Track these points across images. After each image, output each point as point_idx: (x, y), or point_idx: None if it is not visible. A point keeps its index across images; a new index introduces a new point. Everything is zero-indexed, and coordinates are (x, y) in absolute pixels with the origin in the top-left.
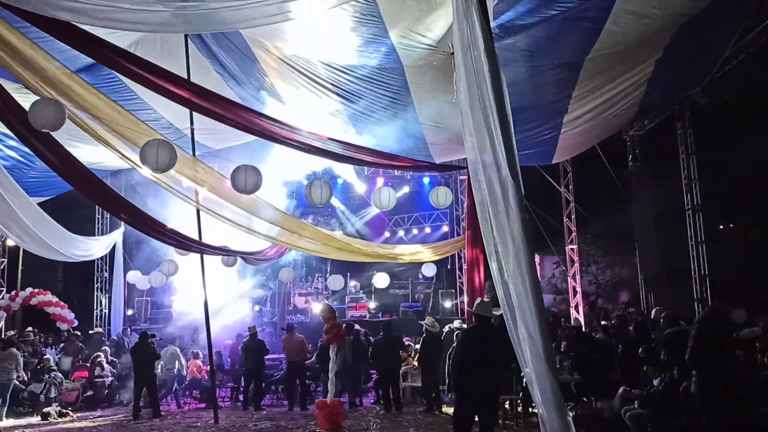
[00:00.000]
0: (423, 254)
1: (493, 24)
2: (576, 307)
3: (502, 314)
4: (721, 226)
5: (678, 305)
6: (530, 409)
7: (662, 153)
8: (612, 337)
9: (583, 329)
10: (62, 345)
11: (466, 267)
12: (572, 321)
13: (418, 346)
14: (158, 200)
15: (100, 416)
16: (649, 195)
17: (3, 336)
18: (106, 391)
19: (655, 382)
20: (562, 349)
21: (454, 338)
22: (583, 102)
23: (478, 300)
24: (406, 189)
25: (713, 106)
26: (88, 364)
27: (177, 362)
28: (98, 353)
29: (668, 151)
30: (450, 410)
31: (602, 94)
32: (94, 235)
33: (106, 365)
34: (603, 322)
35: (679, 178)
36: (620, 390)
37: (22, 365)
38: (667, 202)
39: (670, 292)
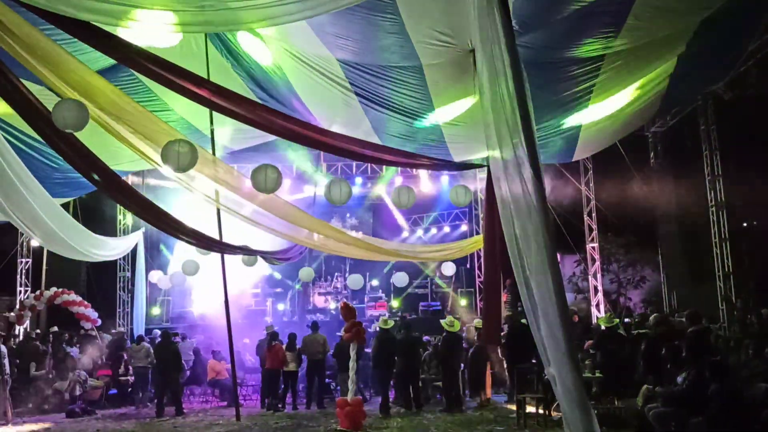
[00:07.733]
0: (442, 253)
1: (513, 20)
2: (597, 305)
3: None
4: (745, 224)
5: (702, 304)
6: (552, 408)
7: (685, 149)
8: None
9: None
10: (81, 344)
11: (483, 265)
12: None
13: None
14: (180, 200)
15: (124, 414)
16: (671, 192)
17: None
18: (130, 389)
19: (679, 380)
20: (585, 347)
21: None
22: (604, 98)
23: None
24: (427, 187)
25: (737, 101)
26: (111, 362)
27: None
28: (122, 352)
29: (691, 148)
30: (469, 409)
31: (624, 90)
32: (116, 235)
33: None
34: (626, 320)
35: (703, 174)
36: (643, 388)
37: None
38: (689, 200)
39: (693, 290)
